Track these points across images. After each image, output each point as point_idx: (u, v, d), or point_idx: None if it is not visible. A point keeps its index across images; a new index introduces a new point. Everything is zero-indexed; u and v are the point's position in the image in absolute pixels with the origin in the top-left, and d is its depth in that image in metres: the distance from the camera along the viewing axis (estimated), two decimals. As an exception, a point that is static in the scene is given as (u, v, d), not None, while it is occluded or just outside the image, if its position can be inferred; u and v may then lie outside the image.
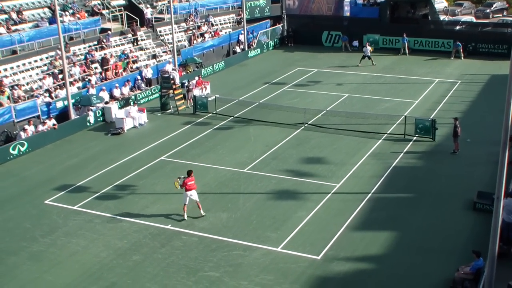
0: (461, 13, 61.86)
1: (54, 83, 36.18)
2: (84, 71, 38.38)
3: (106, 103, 35.39)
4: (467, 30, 50.00)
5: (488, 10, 62.46)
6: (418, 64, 45.97)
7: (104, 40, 42.11)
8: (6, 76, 35.11)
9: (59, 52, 35.86)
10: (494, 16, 61.70)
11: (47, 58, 38.50)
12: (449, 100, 36.88)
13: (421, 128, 30.25)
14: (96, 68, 39.37)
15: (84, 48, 41.16)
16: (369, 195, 24.45)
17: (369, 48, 46.22)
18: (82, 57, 39.88)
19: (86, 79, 37.65)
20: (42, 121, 32.41)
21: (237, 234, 21.64)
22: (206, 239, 21.32)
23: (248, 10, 53.69)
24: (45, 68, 37.58)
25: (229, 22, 54.59)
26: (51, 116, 33.20)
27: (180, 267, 19.69)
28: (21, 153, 29.79)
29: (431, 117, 31.54)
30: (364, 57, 45.75)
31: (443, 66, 45.26)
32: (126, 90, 38.48)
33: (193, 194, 22.73)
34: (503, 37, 46.97)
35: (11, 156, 29.40)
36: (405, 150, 29.01)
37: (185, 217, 22.78)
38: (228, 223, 22.52)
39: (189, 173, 22.81)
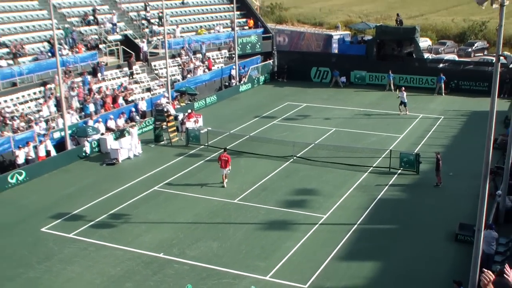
0: (444, 52, 63.24)
1: (51, 114, 36.94)
2: (83, 102, 39.10)
3: (102, 134, 36.12)
4: (450, 68, 51.32)
5: (469, 49, 63.97)
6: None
7: (100, 74, 43.01)
8: (6, 107, 35.94)
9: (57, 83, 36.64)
10: (476, 55, 63.11)
11: (45, 90, 39.20)
12: (432, 134, 37.75)
13: (405, 162, 31.00)
14: (95, 100, 40.09)
15: (82, 80, 41.95)
16: (355, 226, 25.07)
17: (404, 93, 42.66)
18: (81, 89, 40.62)
19: (86, 110, 38.38)
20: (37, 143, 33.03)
21: (227, 263, 22.10)
22: (197, 267, 21.78)
23: (240, 46, 54.79)
24: (43, 99, 38.34)
25: (222, 57, 55.72)
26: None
27: (172, 293, 20.07)
28: (19, 182, 30.33)
29: (415, 151, 32.36)
30: (401, 103, 42.75)
31: (427, 102, 46.15)
32: (121, 122, 39.25)
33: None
34: (484, 75, 48.35)
35: (9, 185, 29.93)
36: (390, 183, 29.74)
37: (225, 185, 29.40)
38: (218, 252, 23.01)
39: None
